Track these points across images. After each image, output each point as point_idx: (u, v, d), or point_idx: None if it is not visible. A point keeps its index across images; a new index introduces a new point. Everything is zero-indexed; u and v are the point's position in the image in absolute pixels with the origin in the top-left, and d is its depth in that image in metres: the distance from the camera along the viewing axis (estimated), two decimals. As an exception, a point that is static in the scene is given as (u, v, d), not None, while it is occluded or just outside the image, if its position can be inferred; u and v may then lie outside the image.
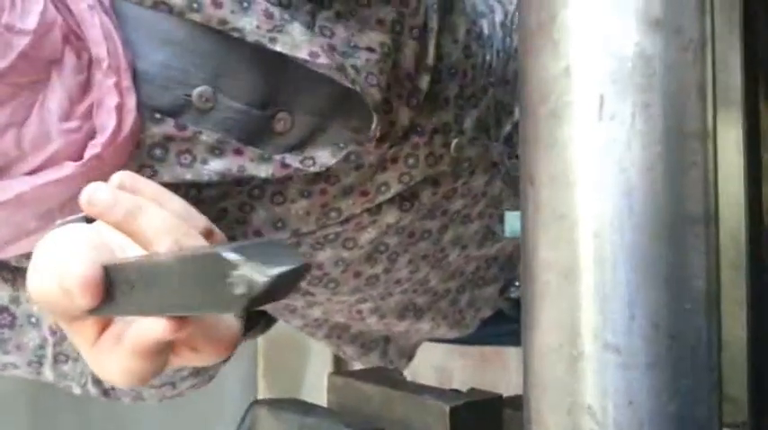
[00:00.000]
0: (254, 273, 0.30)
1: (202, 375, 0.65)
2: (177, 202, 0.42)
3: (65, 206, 0.53)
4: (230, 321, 0.41)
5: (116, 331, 0.40)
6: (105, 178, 0.54)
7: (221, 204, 0.60)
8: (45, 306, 0.40)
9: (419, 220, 0.69)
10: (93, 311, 0.38)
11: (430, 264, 0.73)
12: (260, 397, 2.18)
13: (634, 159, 0.28)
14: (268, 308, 0.74)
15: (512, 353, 1.93)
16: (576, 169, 0.29)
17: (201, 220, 0.43)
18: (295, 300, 0.73)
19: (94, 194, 0.40)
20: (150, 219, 0.40)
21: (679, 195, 0.28)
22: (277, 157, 0.58)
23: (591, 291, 0.28)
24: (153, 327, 0.36)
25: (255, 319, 0.77)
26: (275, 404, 0.51)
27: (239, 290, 0.30)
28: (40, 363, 0.63)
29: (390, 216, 0.67)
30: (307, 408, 0.50)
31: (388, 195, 0.65)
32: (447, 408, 0.48)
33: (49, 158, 0.51)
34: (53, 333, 0.61)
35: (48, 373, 0.64)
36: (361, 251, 0.68)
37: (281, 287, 0.31)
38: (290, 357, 2.12)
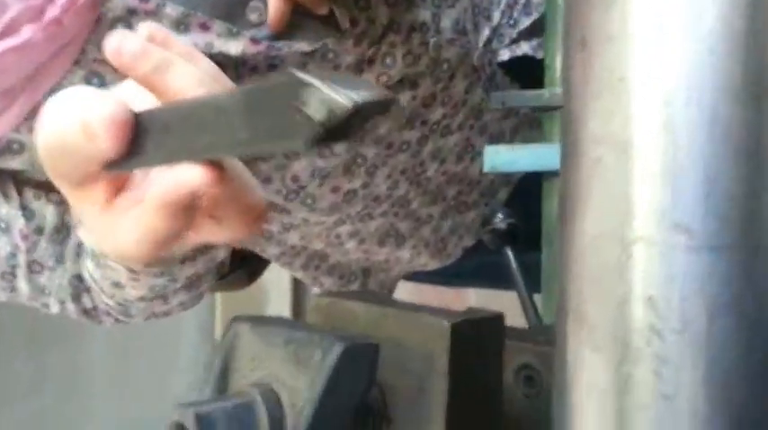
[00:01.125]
0: (338, 95, 0.25)
1: (195, 289, 0.61)
2: (208, 63, 0.39)
3: (27, 83, 0.49)
4: (258, 192, 0.37)
5: (135, 194, 0.35)
6: (66, 50, 0.51)
7: None
8: (56, 157, 0.35)
9: (398, 131, 0.67)
10: (114, 165, 0.33)
11: (409, 179, 0.72)
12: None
13: (719, 7, 0.24)
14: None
15: (470, 296, 1.92)
16: (641, 21, 0.25)
17: (231, 86, 0.40)
18: (271, 224, 0.71)
19: (122, 42, 0.36)
20: (180, 75, 0.36)
21: None
22: (247, 33, 0.56)
23: (657, 166, 0.24)
24: (188, 175, 0.32)
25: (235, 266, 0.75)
26: (258, 320, 0.47)
27: (318, 113, 0.25)
28: (14, 274, 0.59)
29: None
30: (292, 324, 0.46)
31: None
32: (448, 325, 0.44)
33: (8, 27, 0.47)
34: (24, 237, 0.57)
35: (23, 287, 0.60)
36: (337, 160, 0.66)
37: (360, 119, 0.27)
38: (248, 303, 2.10)
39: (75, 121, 0.33)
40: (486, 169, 0.67)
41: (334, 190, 0.68)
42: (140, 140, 0.32)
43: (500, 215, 0.73)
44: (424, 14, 0.65)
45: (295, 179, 0.65)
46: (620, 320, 0.25)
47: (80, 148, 0.34)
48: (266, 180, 0.65)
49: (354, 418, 0.45)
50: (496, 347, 0.47)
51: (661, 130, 0.24)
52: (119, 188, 0.36)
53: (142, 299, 0.60)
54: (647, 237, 0.24)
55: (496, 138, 0.74)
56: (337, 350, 0.41)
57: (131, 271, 0.54)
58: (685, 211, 0.23)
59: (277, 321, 0.47)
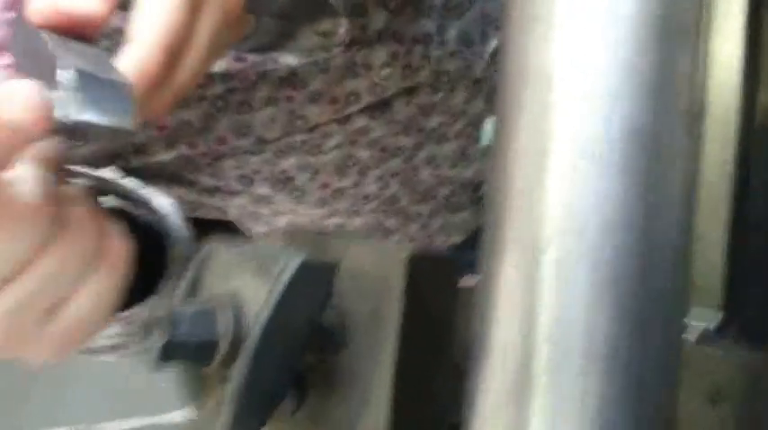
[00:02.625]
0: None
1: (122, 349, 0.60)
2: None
3: None
4: None
5: None
6: None
7: (183, 115, 0.58)
8: None
9: (393, 136, 0.66)
10: None
11: (400, 181, 0.71)
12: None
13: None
14: (233, 211, 0.72)
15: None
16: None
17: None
18: (260, 208, 0.71)
19: None
20: None
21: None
22: (231, 52, 0.55)
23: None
24: None
25: None
26: (231, 241, 0.50)
27: None
28: None
29: (358, 124, 0.64)
30: (262, 245, 0.49)
31: (358, 106, 0.62)
32: (405, 255, 0.47)
33: None
34: None
35: None
36: (327, 157, 0.65)
37: None
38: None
39: None
40: (484, 142, 0.66)
41: (323, 186, 0.67)
42: None
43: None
44: (429, 25, 0.62)
45: (284, 172, 0.65)
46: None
47: None
48: (255, 172, 0.65)
49: (312, 341, 0.49)
50: (449, 284, 0.50)
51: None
52: None
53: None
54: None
55: None
56: (295, 263, 0.44)
57: None
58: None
59: (249, 242, 0.49)
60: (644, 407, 0.26)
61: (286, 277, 0.44)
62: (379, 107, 0.63)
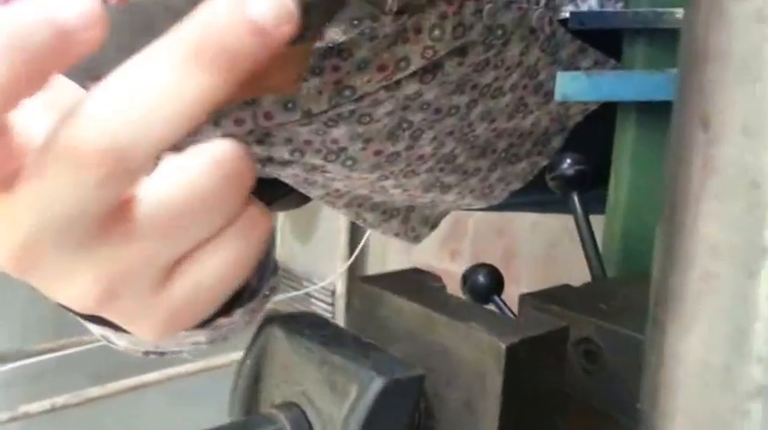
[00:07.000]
0: None
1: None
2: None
3: None
4: None
5: None
6: None
7: None
8: None
9: (446, 96, 0.61)
10: None
11: (456, 139, 0.66)
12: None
13: None
14: (288, 180, 0.68)
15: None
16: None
17: None
18: (314, 176, 0.66)
19: None
20: None
21: None
22: None
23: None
24: None
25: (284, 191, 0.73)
26: (291, 324, 0.42)
27: None
28: None
29: (409, 89, 0.58)
30: (326, 336, 0.40)
31: (408, 72, 0.56)
32: (503, 347, 0.38)
33: None
34: None
35: None
36: (378, 125, 0.60)
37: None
38: (303, 215, 2.09)
39: None
40: (557, 98, 0.60)
41: (377, 153, 0.62)
42: None
43: (568, 161, 0.67)
44: None
45: (335, 142, 0.60)
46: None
47: None
48: (306, 142, 0.60)
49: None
50: (555, 361, 0.41)
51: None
52: None
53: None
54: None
55: (551, 96, 0.67)
56: (376, 387, 0.36)
57: None
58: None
59: (310, 326, 0.41)
60: None
61: (368, 401, 0.35)
62: (430, 70, 0.58)
